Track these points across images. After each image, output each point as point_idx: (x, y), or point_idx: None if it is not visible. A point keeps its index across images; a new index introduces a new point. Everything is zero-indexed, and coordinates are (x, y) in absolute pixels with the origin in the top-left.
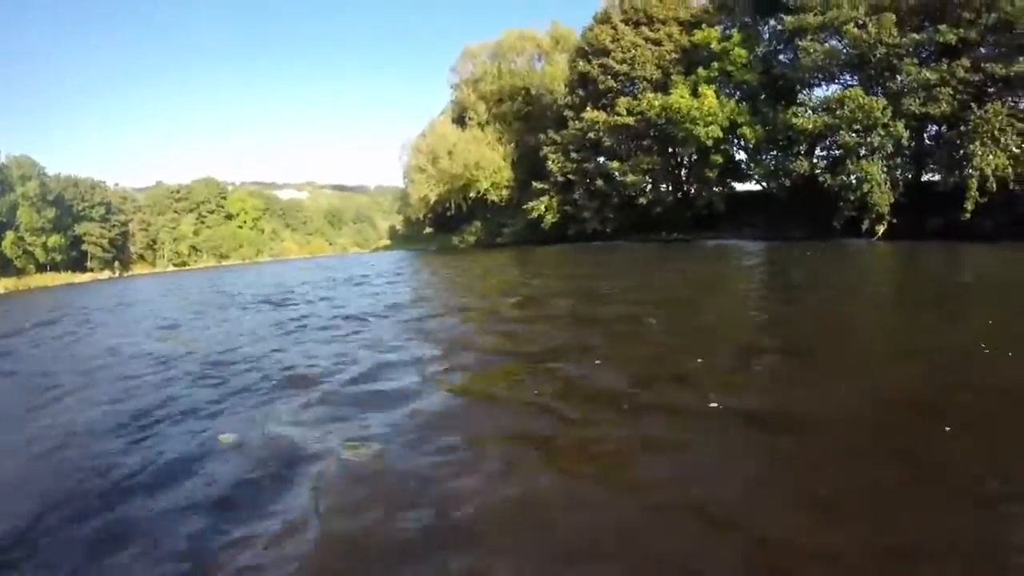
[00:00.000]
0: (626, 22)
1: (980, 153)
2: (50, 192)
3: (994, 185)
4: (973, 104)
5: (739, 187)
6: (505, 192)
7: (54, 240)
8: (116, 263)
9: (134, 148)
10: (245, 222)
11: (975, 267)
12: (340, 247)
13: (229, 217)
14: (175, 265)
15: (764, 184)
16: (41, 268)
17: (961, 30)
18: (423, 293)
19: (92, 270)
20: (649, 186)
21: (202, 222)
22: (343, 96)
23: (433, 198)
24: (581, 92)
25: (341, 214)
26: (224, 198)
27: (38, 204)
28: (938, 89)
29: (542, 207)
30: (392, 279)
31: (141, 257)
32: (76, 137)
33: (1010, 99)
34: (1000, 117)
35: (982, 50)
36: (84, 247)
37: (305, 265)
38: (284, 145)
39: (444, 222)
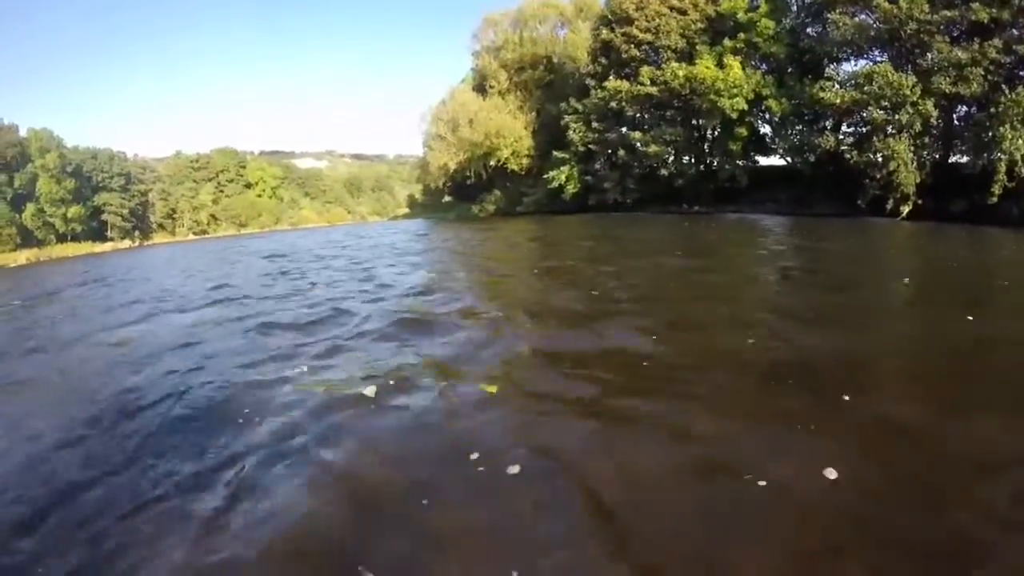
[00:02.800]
0: None
1: (1010, 137)
2: (69, 164)
3: (1022, 170)
4: (1004, 86)
5: (763, 161)
6: (525, 161)
7: (74, 211)
8: (136, 232)
9: (153, 118)
10: (264, 191)
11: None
12: (359, 215)
13: (248, 186)
14: (195, 234)
15: (788, 159)
16: (62, 239)
17: (994, 9)
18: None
19: (112, 240)
20: (671, 157)
21: (221, 191)
22: (363, 65)
23: (452, 166)
24: (604, 61)
25: (360, 183)
26: (243, 167)
27: (58, 176)
28: (969, 69)
29: (563, 177)
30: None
31: (161, 226)
32: (95, 109)
33: None
34: None
35: (1014, 31)
36: (104, 217)
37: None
38: (303, 114)
39: (463, 191)
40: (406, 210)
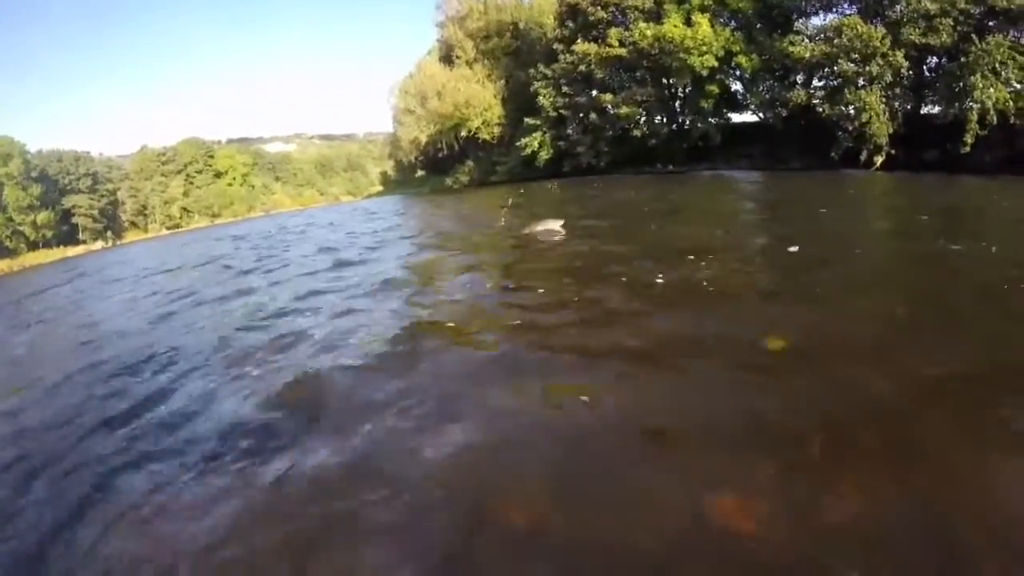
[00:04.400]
0: None
1: (981, 86)
2: (34, 168)
3: (994, 119)
4: (974, 36)
5: (735, 118)
6: (497, 130)
7: (43, 217)
8: (108, 232)
9: (115, 115)
10: (235, 179)
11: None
12: (332, 196)
13: (218, 175)
14: (168, 229)
15: (760, 114)
16: (33, 246)
17: None
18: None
19: (85, 242)
20: (643, 118)
21: (191, 183)
22: (326, 43)
23: (424, 140)
24: (571, 24)
25: (331, 163)
26: (211, 157)
27: (23, 182)
28: (939, 20)
29: (535, 143)
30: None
31: (133, 224)
32: (54, 111)
33: (1012, 32)
34: (1002, 50)
35: None
36: (74, 220)
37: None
38: (268, 98)
39: (436, 164)
40: (380, 188)
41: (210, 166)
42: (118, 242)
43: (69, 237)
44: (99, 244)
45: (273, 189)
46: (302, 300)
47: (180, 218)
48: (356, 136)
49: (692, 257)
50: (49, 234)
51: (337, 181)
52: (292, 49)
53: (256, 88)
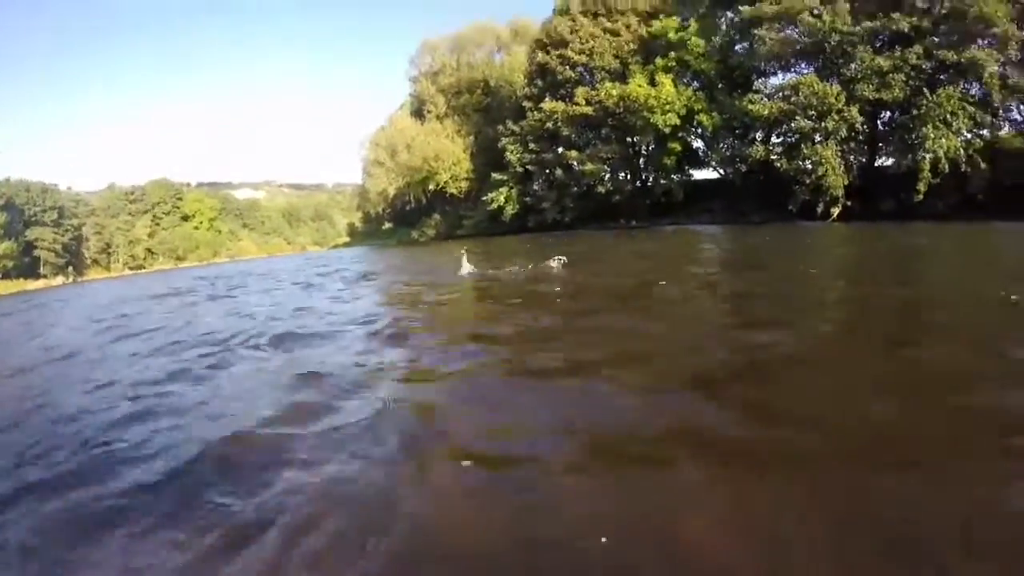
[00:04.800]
0: (585, 14)
1: (932, 136)
2: (0, 197)
3: (946, 167)
4: (926, 89)
5: (697, 175)
6: (464, 184)
7: (5, 247)
8: (70, 268)
9: (86, 149)
10: (201, 223)
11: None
12: (299, 246)
13: (185, 218)
14: (131, 269)
15: (721, 170)
16: None
17: (914, 18)
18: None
19: (45, 276)
20: (608, 175)
21: (157, 224)
22: (300, 94)
23: (392, 192)
24: (540, 83)
25: (299, 212)
26: (179, 199)
27: None
28: (891, 75)
29: (502, 198)
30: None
31: (95, 262)
32: (25, 140)
33: (962, 84)
34: (952, 101)
35: (935, 38)
36: (36, 253)
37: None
38: (240, 144)
39: (403, 216)
40: (346, 239)
41: (178, 208)
42: (79, 279)
43: (30, 270)
44: (59, 279)
45: (240, 235)
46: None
47: (144, 259)
48: (325, 186)
49: None
50: (10, 264)
51: (304, 230)
52: (267, 96)
53: (228, 133)
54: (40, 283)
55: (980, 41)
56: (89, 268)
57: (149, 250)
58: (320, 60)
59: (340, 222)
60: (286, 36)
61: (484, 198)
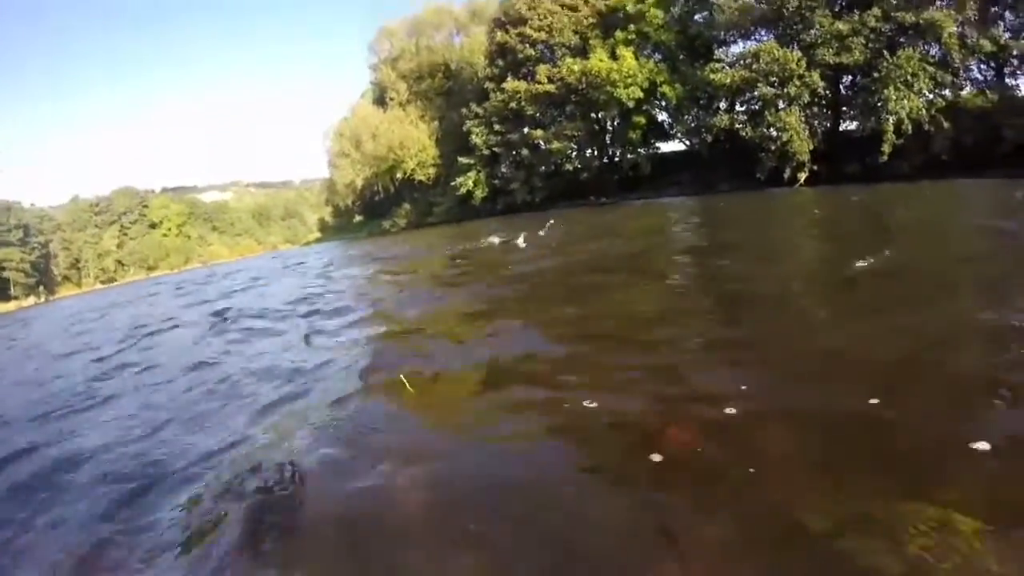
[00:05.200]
0: None
1: (894, 98)
2: None
3: (909, 128)
4: (886, 52)
5: (664, 147)
6: (432, 171)
7: None
8: (41, 287)
9: (46, 163)
10: (170, 230)
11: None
12: (270, 245)
13: (153, 226)
14: (102, 283)
15: (687, 142)
16: None
17: None
18: None
19: (16, 298)
20: (575, 152)
21: (125, 234)
22: (260, 90)
23: (360, 183)
24: (501, 63)
25: (268, 212)
26: (146, 207)
27: None
28: (851, 39)
29: (470, 182)
30: None
31: (66, 278)
32: None
33: (921, 45)
34: (912, 62)
35: (892, 0)
36: (5, 274)
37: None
38: (203, 146)
39: (373, 207)
40: (318, 235)
41: (144, 216)
42: (51, 297)
43: (0, 292)
44: (31, 300)
45: (210, 240)
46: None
47: (115, 271)
48: (293, 183)
49: None
50: None
51: (275, 229)
52: (229, 94)
53: (190, 136)
54: (11, 305)
55: (938, 2)
56: (60, 285)
57: (119, 262)
58: (278, 53)
59: (311, 218)
60: (241, 31)
61: (453, 183)
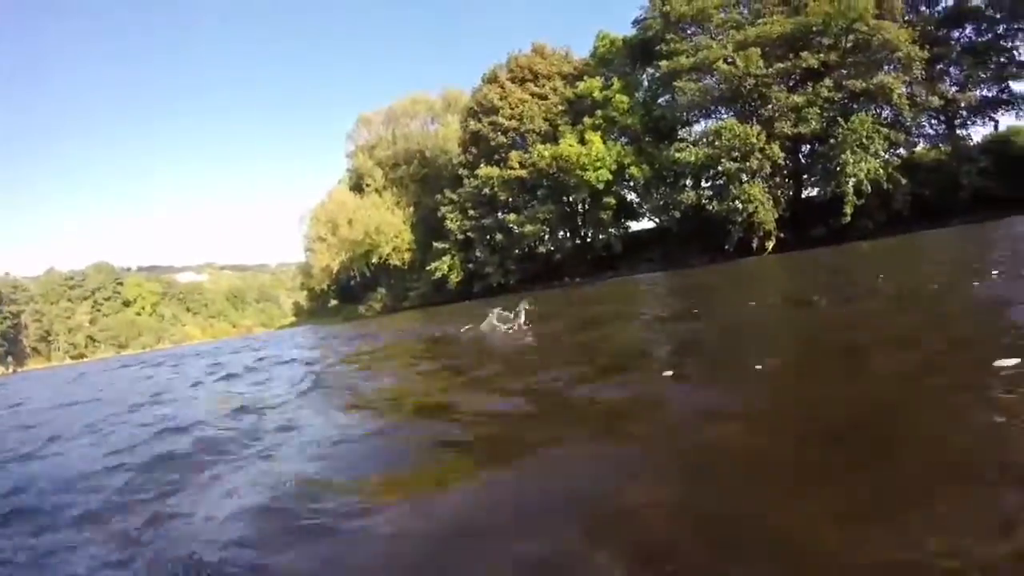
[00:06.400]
0: (512, 80)
1: (852, 161)
2: None
3: (868, 188)
4: (840, 119)
5: (635, 226)
6: (407, 255)
7: None
8: (9, 358)
9: (23, 234)
10: (144, 308)
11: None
12: (244, 328)
13: (126, 304)
14: (72, 358)
15: (657, 219)
16: None
17: (822, 54)
18: None
19: None
20: (547, 235)
21: (98, 310)
22: (239, 175)
23: (336, 267)
24: (474, 150)
25: (243, 294)
26: (120, 284)
27: None
28: (807, 110)
29: (445, 267)
30: None
31: (35, 350)
32: None
33: (874, 108)
34: (866, 126)
35: (843, 70)
36: None
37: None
38: (180, 227)
39: (349, 292)
40: (292, 318)
41: (119, 293)
42: (19, 369)
43: None
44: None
45: (184, 320)
46: None
47: (85, 347)
48: (268, 266)
49: None
50: None
51: (250, 312)
52: (208, 178)
53: (168, 216)
54: None
55: (886, 66)
56: (29, 357)
57: (91, 338)
58: (256, 138)
59: (286, 302)
60: (221, 116)
61: (428, 267)
